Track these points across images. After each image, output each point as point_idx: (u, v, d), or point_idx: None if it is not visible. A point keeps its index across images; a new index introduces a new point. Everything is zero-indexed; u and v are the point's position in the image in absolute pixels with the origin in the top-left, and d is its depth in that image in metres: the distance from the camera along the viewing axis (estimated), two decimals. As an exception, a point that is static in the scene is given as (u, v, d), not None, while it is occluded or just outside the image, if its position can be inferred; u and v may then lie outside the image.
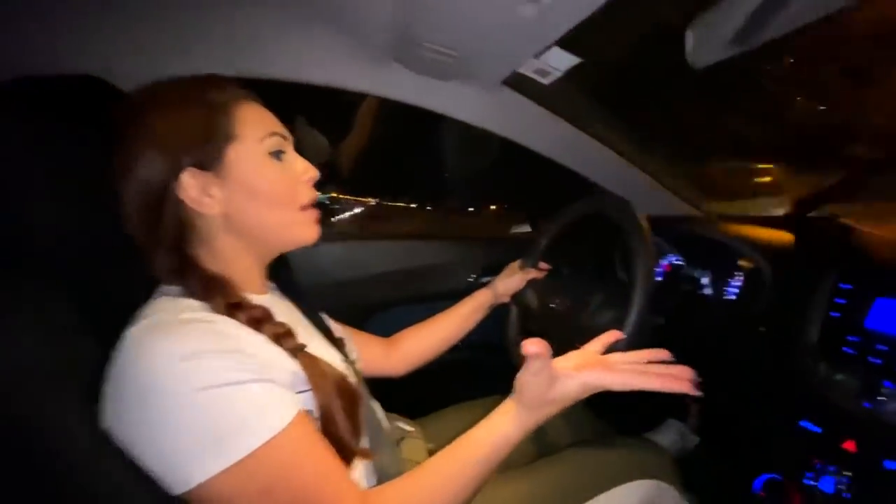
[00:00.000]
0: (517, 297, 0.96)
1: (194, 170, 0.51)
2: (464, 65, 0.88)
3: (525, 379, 0.52)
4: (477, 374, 1.24)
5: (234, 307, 0.50)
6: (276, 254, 0.62)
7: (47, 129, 0.53)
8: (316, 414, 0.50)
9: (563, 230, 0.97)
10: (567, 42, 0.82)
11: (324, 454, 0.46)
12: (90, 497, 0.43)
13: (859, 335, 0.61)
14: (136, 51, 0.78)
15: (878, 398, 0.56)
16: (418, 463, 0.70)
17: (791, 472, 0.66)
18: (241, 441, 0.40)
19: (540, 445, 0.94)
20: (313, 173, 0.59)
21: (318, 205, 0.60)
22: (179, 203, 0.51)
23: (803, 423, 0.66)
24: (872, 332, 0.60)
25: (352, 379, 0.59)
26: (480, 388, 1.07)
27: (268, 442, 0.41)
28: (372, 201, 1.57)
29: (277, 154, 0.55)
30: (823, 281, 0.67)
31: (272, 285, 0.67)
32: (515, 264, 1.00)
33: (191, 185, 0.51)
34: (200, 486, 0.40)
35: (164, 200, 0.51)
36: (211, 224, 0.54)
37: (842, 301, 0.65)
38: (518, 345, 0.94)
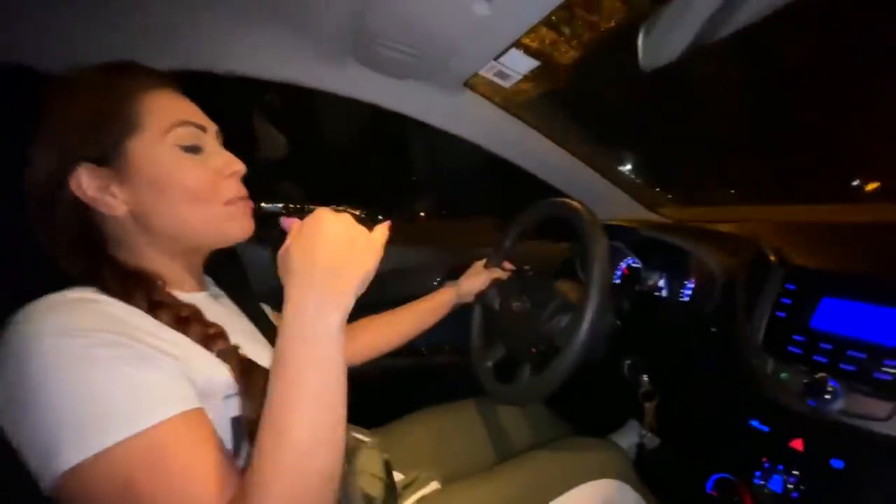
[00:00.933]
0: (481, 297, 0.95)
1: (91, 165, 0.46)
2: (423, 64, 0.87)
3: (280, 253, 0.44)
4: (441, 378, 1.22)
5: (157, 305, 0.46)
6: (206, 251, 0.57)
7: None
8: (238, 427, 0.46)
9: (523, 232, 0.96)
10: (525, 45, 0.83)
11: (201, 466, 0.39)
12: None
13: (804, 335, 0.62)
14: (71, 41, 0.73)
15: (824, 396, 0.57)
16: (373, 474, 0.68)
17: (741, 471, 0.67)
18: (103, 430, 0.36)
19: (501, 449, 0.94)
20: (237, 167, 0.53)
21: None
22: (77, 203, 0.47)
23: (752, 423, 0.67)
24: (817, 332, 0.62)
25: None
26: (443, 393, 1.05)
27: (132, 437, 0.36)
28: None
29: (192, 148, 0.50)
30: (769, 282, 0.68)
31: (211, 281, 0.64)
32: (480, 264, 0.99)
33: (87, 183, 0.46)
34: (61, 478, 0.35)
35: (57, 198, 0.46)
36: (121, 225, 0.49)
37: (787, 301, 0.66)
38: (481, 348, 0.95)
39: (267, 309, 0.69)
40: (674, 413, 0.89)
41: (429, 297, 0.95)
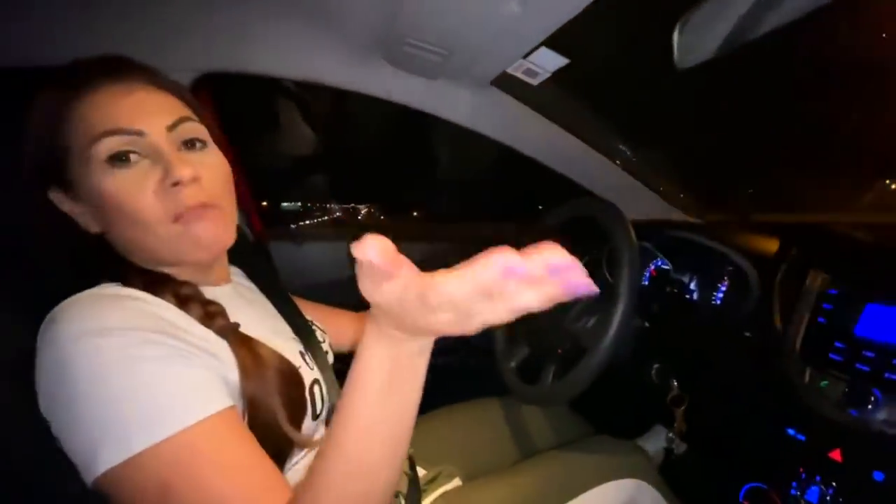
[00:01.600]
0: None
1: (54, 189, 0.46)
2: (452, 63, 0.87)
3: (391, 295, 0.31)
4: (464, 376, 1.22)
5: (186, 300, 0.46)
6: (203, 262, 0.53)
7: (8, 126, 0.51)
8: (244, 401, 0.45)
9: (550, 231, 0.95)
10: (555, 42, 0.82)
11: (242, 464, 0.39)
12: (36, 489, 0.41)
13: (846, 342, 0.60)
14: (94, 42, 0.75)
15: (866, 406, 0.55)
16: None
17: (776, 481, 0.65)
18: (144, 430, 0.36)
19: (523, 447, 0.94)
20: (179, 174, 0.44)
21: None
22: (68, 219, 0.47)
23: (789, 431, 0.65)
24: (860, 339, 0.59)
25: (315, 375, 0.56)
26: (467, 391, 1.05)
27: (174, 435, 0.36)
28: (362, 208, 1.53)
29: (118, 157, 0.43)
30: (809, 287, 0.66)
31: (238, 272, 0.65)
32: None
33: (62, 206, 0.46)
34: (105, 475, 0.36)
35: (51, 216, 0.46)
36: (113, 241, 0.48)
37: (829, 307, 0.64)
38: (505, 349, 0.95)
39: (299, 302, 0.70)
40: (704, 419, 0.87)
41: None
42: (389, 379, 0.36)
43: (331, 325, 0.76)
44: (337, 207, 1.43)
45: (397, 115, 1.03)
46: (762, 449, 0.71)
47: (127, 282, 0.45)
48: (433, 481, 0.78)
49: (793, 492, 0.62)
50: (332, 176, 1.61)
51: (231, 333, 0.46)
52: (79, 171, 0.44)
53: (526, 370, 0.88)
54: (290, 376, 0.50)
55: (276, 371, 0.47)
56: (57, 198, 0.46)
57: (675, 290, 0.94)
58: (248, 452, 0.40)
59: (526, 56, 0.86)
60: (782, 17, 0.49)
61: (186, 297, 0.46)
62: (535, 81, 0.96)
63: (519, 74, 0.94)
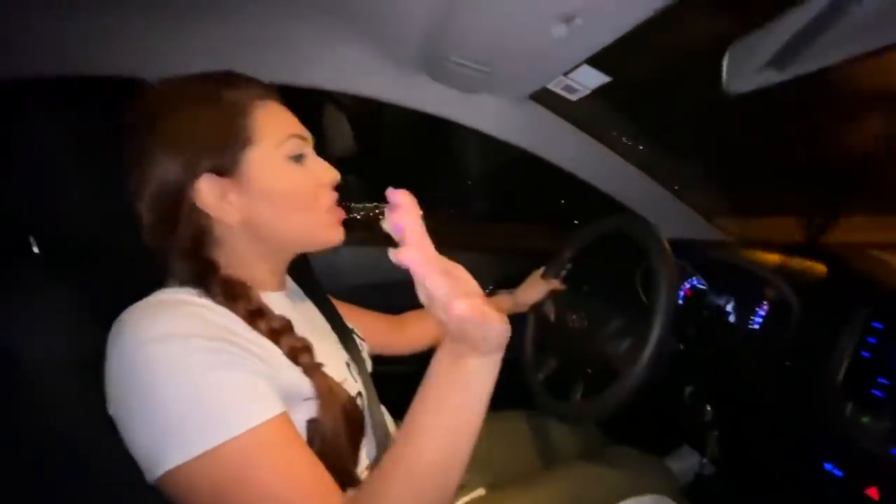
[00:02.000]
0: (536, 307, 0.95)
1: (211, 176, 0.48)
2: (492, 79, 0.88)
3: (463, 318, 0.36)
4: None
5: (256, 315, 0.48)
6: (296, 254, 0.60)
7: (86, 128, 0.55)
8: (311, 433, 0.48)
9: (587, 245, 0.95)
10: (597, 60, 0.82)
11: (304, 466, 0.42)
12: (99, 484, 0.45)
13: (890, 377, 0.59)
14: (175, 55, 0.81)
15: (908, 445, 0.54)
16: None
17: (811, 515, 0.64)
18: (204, 434, 0.38)
19: (547, 459, 0.94)
20: (333, 176, 0.56)
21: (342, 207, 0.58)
22: (196, 209, 0.49)
23: (826, 466, 0.63)
24: (905, 376, 0.58)
25: (358, 387, 0.58)
26: (494, 401, 1.06)
27: (234, 439, 0.38)
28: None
29: (297, 157, 0.53)
30: (854, 318, 0.64)
31: (290, 283, 0.68)
32: (538, 274, 0.99)
33: (208, 192, 0.48)
34: (166, 475, 0.38)
35: (179, 206, 0.49)
36: (229, 230, 0.51)
37: (873, 340, 0.62)
38: (534, 359, 0.95)
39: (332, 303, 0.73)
40: (737, 445, 0.85)
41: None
42: (444, 387, 0.40)
43: (366, 327, 0.79)
44: (371, 209, 1.47)
45: (431, 118, 1.05)
46: (797, 481, 0.69)
47: (207, 286, 0.48)
48: (458, 490, 0.79)
49: (827, 528, 0.61)
50: (365, 178, 1.65)
51: (315, 371, 0.49)
52: (258, 160, 0.50)
53: (554, 384, 0.89)
54: (356, 417, 0.53)
55: (342, 409, 0.50)
56: (210, 183, 0.49)
57: (711, 312, 0.92)
58: (302, 457, 0.42)
59: (567, 73, 0.86)
60: (841, 52, 0.48)
61: (276, 331, 0.49)
62: (573, 97, 0.96)
63: (558, 90, 0.94)
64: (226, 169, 0.49)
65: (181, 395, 0.39)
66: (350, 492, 0.47)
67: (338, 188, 0.59)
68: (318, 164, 0.55)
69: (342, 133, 1.61)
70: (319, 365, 0.50)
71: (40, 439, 0.44)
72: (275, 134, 0.51)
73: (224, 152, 0.49)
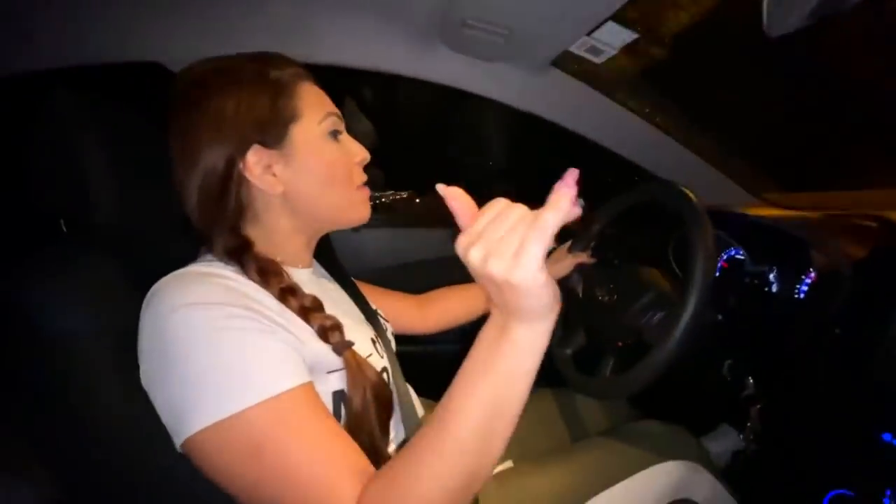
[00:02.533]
0: (563, 282, 0.92)
1: (259, 147, 0.51)
2: (512, 44, 0.85)
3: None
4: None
5: (287, 292, 0.49)
6: (324, 232, 0.62)
7: (112, 113, 0.57)
8: (337, 406, 0.49)
9: (616, 217, 0.91)
10: (622, 16, 0.77)
11: (331, 434, 0.42)
12: (135, 456, 0.46)
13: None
14: (190, 38, 0.82)
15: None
16: None
17: (866, 489, 0.59)
18: (231, 397, 0.38)
19: (575, 433, 0.93)
20: (365, 155, 0.59)
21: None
22: (243, 181, 0.51)
23: (885, 437, 0.58)
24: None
25: (384, 363, 0.59)
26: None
27: (262, 402, 0.39)
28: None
29: (335, 134, 0.55)
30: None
31: (314, 266, 0.69)
32: (564, 248, 0.96)
33: (255, 163, 0.51)
34: (193, 438, 0.39)
35: (229, 180, 0.50)
36: (269, 203, 0.53)
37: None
38: (560, 334, 0.93)
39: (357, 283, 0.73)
40: (782, 419, 0.80)
41: None
42: (481, 361, 0.37)
43: (389, 308, 0.79)
44: (392, 194, 1.46)
45: (452, 100, 1.03)
46: (851, 454, 0.65)
47: (244, 263, 0.50)
48: None
49: (886, 500, 0.56)
50: (387, 163, 1.64)
51: (346, 349, 0.50)
52: (303, 136, 0.53)
53: (582, 359, 0.86)
54: (385, 395, 0.53)
55: (372, 387, 0.50)
56: (258, 154, 0.51)
57: (754, 281, 0.87)
58: (330, 425, 0.42)
59: (590, 33, 0.82)
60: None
61: (308, 309, 0.50)
62: (598, 59, 0.91)
63: (582, 52, 0.90)
64: (272, 142, 0.51)
65: (209, 359, 0.40)
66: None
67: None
68: (351, 143, 0.58)
69: (362, 125, 1.61)
70: (350, 343, 0.51)
71: (78, 412, 0.45)
72: (317, 110, 0.54)
73: (272, 126, 0.51)
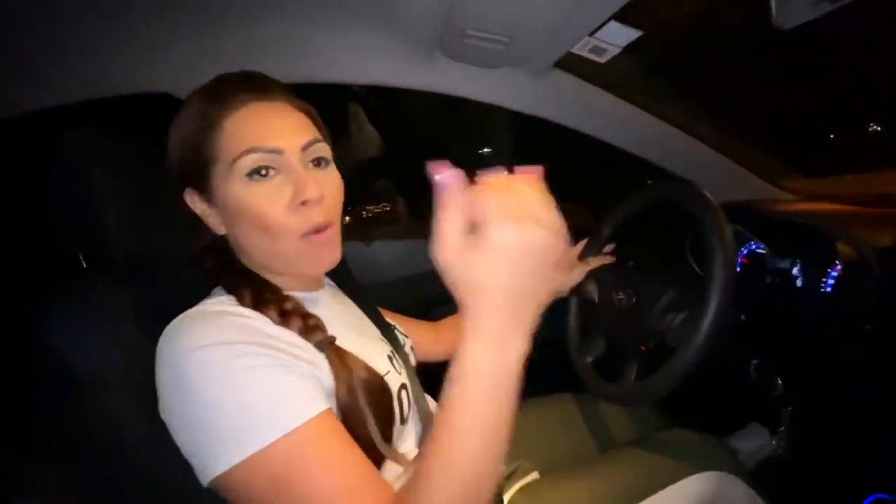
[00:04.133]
0: (578, 289, 0.91)
1: (191, 190, 0.51)
2: (513, 50, 0.84)
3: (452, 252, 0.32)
4: (537, 370, 1.20)
5: (260, 301, 0.48)
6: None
7: (126, 145, 0.58)
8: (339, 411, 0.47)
9: (627, 219, 0.90)
10: (624, 14, 0.76)
11: (346, 461, 0.41)
12: (157, 489, 0.46)
13: None
14: (197, 66, 0.83)
15: None
16: None
17: (910, 495, 0.56)
18: (255, 434, 0.39)
19: (601, 442, 0.91)
20: (306, 196, 0.47)
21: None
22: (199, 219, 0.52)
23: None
24: None
25: (403, 379, 0.57)
26: (540, 384, 1.04)
27: (282, 438, 0.39)
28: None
29: (256, 173, 0.47)
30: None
31: (328, 281, 0.68)
32: (574, 254, 0.94)
33: (194, 206, 0.51)
34: (219, 478, 0.39)
35: (193, 216, 0.52)
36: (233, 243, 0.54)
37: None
38: (579, 342, 0.91)
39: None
40: (815, 420, 0.78)
41: None
42: (451, 379, 0.36)
43: (410, 334, 0.77)
44: (400, 205, 1.47)
45: (455, 109, 1.02)
46: (890, 456, 0.62)
47: (237, 291, 0.49)
48: (511, 476, 0.78)
49: (931, 508, 0.54)
50: (394, 175, 1.65)
51: (328, 346, 0.49)
52: (219, 180, 0.48)
53: (603, 366, 0.85)
54: (380, 388, 0.51)
55: (364, 383, 0.49)
56: (191, 198, 0.51)
57: (776, 278, 0.84)
58: (350, 451, 0.42)
59: (593, 33, 0.80)
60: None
61: (287, 312, 0.49)
62: (602, 59, 0.90)
63: (585, 53, 0.88)
64: (199, 185, 0.50)
65: (228, 400, 0.40)
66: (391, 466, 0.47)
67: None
68: (289, 183, 0.48)
69: (367, 134, 1.61)
70: (332, 338, 0.49)
71: (98, 446, 0.46)
72: (232, 150, 0.47)
73: (193, 169, 0.49)
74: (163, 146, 0.55)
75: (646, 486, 0.70)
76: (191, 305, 0.49)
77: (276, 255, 0.50)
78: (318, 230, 0.49)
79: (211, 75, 0.53)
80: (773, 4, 0.52)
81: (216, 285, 0.54)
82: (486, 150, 1.80)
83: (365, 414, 0.47)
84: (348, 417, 0.47)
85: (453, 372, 0.36)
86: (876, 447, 0.66)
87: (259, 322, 0.47)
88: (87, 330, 0.48)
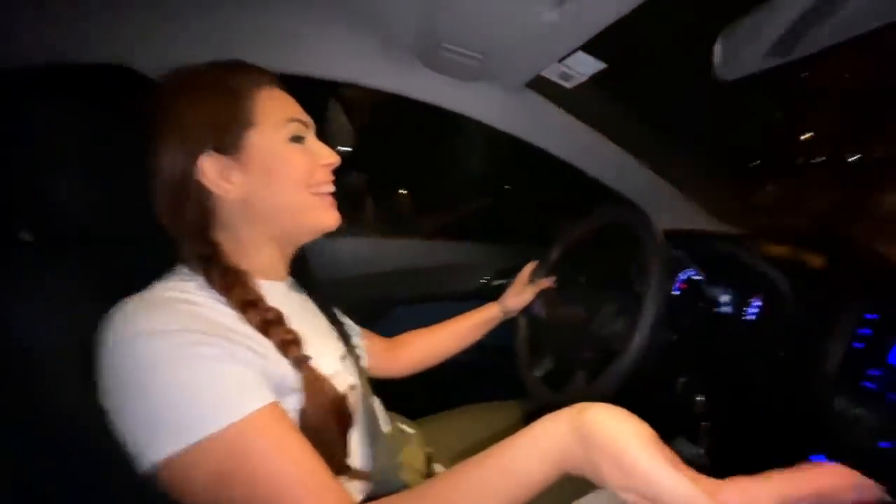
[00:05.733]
0: (525, 309, 0.95)
1: (214, 153, 0.51)
2: (486, 67, 0.87)
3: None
4: (483, 377, 1.24)
5: (249, 305, 0.49)
6: (298, 243, 0.61)
7: (79, 116, 0.55)
8: (301, 423, 0.48)
9: (577, 241, 0.95)
10: (592, 46, 0.81)
11: (299, 454, 0.42)
12: (95, 472, 0.45)
13: (882, 369, 0.58)
14: (166, 43, 0.81)
15: (897, 438, 0.53)
16: (415, 468, 0.71)
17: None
18: (195, 424, 0.39)
19: None
20: (333, 159, 0.58)
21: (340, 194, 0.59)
22: (202, 188, 0.52)
23: (814, 458, 0.63)
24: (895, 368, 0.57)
25: (352, 380, 0.59)
26: (486, 391, 1.07)
27: (224, 429, 0.39)
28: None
29: (297, 139, 0.55)
30: (848, 309, 0.63)
31: (290, 279, 0.69)
32: (524, 277, 0.97)
33: (210, 169, 0.51)
34: (157, 466, 0.39)
35: (187, 186, 0.51)
36: (232, 211, 0.54)
37: (866, 332, 0.61)
38: (528, 358, 0.95)
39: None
40: (729, 436, 0.85)
41: (472, 313, 0.94)
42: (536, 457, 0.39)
43: (365, 346, 0.79)
44: (368, 203, 1.47)
45: (431, 114, 1.04)
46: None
47: (209, 270, 0.50)
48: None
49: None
50: (363, 171, 1.65)
51: (304, 365, 0.50)
52: (260, 141, 0.53)
53: (552, 377, 0.89)
54: (344, 412, 0.53)
55: (331, 404, 0.50)
56: (213, 160, 0.51)
57: (707, 304, 0.91)
58: (297, 444, 0.43)
59: (562, 60, 0.85)
60: (833, 36, 0.47)
61: (268, 322, 0.49)
62: (569, 84, 0.95)
63: (554, 78, 0.93)
64: (227, 148, 0.52)
65: (172, 387, 0.40)
66: (341, 479, 0.48)
67: (341, 183, 0.59)
68: (319, 147, 0.58)
69: (340, 125, 1.61)
70: (307, 358, 0.51)
71: (40, 426, 0.45)
72: (276, 117, 0.54)
73: (226, 132, 0.52)
74: (121, 118, 0.54)
75: (580, 487, 0.73)
76: (145, 283, 0.48)
77: (294, 210, 0.56)
78: (330, 192, 0.58)
79: (181, 55, 0.55)
80: (716, 56, 0.57)
81: (172, 266, 0.53)
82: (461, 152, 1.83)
83: (329, 435, 0.49)
84: (311, 431, 0.47)
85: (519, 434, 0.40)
86: (778, 464, 0.73)
87: (209, 310, 0.47)
88: (24, 305, 0.46)
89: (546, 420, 0.40)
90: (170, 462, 0.38)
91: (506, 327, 0.99)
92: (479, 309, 0.95)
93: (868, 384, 0.58)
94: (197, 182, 0.51)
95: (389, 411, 0.76)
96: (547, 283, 0.96)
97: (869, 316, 0.61)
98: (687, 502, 0.31)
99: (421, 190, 1.87)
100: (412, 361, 0.91)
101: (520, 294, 0.95)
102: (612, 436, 0.36)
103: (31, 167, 0.51)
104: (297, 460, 0.42)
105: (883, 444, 0.54)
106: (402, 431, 0.76)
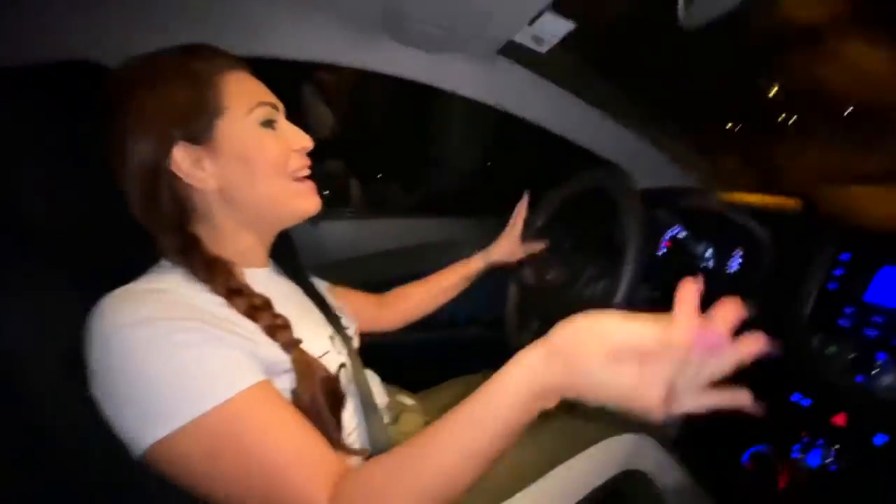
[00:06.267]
0: (514, 275, 0.96)
1: (185, 143, 0.50)
2: (455, 36, 0.86)
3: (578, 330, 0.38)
4: (477, 348, 1.25)
5: (235, 293, 0.49)
6: (277, 229, 0.60)
7: (46, 115, 0.55)
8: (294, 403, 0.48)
9: (559, 206, 0.95)
10: (560, 6, 0.79)
11: (294, 428, 0.43)
12: (84, 465, 0.46)
13: (856, 307, 0.59)
14: (127, 33, 0.79)
15: (872, 372, 0.55)
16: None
17: (779, 445, 0.65)
18: (187, 405, 0.39)
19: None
20: (306, 143, 0.56)
21: (316, 177, 0.58)
22: (174, 179, 0.51)
23: (794, 397, 0.65)
24: (870, 305, 0.58)
25: (342, 359, 0.59)
26: (480, 362, 1.08)
27: (216, 408, 0.39)
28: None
29: (269, 123, 0.54)
30: (822, 252, 0.64)
31: (272, 262, 0.68)
32: (513, 230, 0.97)
33: (182, 160, 0.50)
34: (150, 449, 0.39)
35: (158, 178, 0.50)
36: (207, 200, 0.53)
37: (840, 272, 0.62)
38: (517, 323, 0.96)
39: (318, 283, 0.74)
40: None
41: (459, 264, 0.97)
42: (509, 406, 0.39)
43: (352, 306, 0.80)
44: (353, 187, 1.46)
45: (411, 92, 1.03)
46: (766, 414, 0.71)
47: (191, 262, 0.50)
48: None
49: (794, 455, 0.62)
50: (345, 155, 1.63)
51: (294, 348, 0.50)
52: (229, 128, 0.51)
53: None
54: (335, 392, 0.53)
55: (321, 384, 0.50)
56: (185, 151, 0.50)
57: (692, 260, 0.92)
58: (292, 419, 0.44)
59: (531, 23, 0.84)
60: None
61: (255, 308, 0.49)
62: (542, 49, 0.94)
63: (526, 42, 0.92)
64: (198, 137, 0.50)
65: (162, 372, 0.40)
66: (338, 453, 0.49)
67: (321, 171, 0.58)
68: (290, 130, 0.56)
69: (320, 112, 1.59)
70: (297, 341, 0.51)
71: (25, 424, 0.45)
72: (245, 101, 0.52)
73: (195, 121, 0.50)
74: (84, 114, 0.53)
75: (563, 451, 0.75)
76: (118, 278, 0.48)
77: (273, 197, 0.54)
78: (307, 177, 0.57)
79: (144, 46, 0.52)
80: (679, 5, 0.57)
81: (155, 262, 0.53)
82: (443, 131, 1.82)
83: (323, 414, 0.49)
84: (304, 411, 0.47)
85: (481, 389, 0.40)
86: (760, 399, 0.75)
87: (194, 300, 0.47)
88: (2, 302, 0.46)
89: (510, 362, 0.41)
90: (163, 445, 0.39)
91: (497, 300, 1.00)
92: (463, 261, 0.97)
93: (843, 322, 0.60)
94: (170, 174, 0.50)
95: (390, 384, 0.77)
96: (538, 245, 0.96)
97: (843, 257, 0.62)
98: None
99: (402, 168, 1.86)
100: (402, 314, 0.94)
101: (507, 248, 0.96)
102: (590, 326, 0.38)
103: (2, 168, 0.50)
104: (292, 435, 0.42)
105: (859, 379, 0.56)
106: (402, 403, 0.78)
